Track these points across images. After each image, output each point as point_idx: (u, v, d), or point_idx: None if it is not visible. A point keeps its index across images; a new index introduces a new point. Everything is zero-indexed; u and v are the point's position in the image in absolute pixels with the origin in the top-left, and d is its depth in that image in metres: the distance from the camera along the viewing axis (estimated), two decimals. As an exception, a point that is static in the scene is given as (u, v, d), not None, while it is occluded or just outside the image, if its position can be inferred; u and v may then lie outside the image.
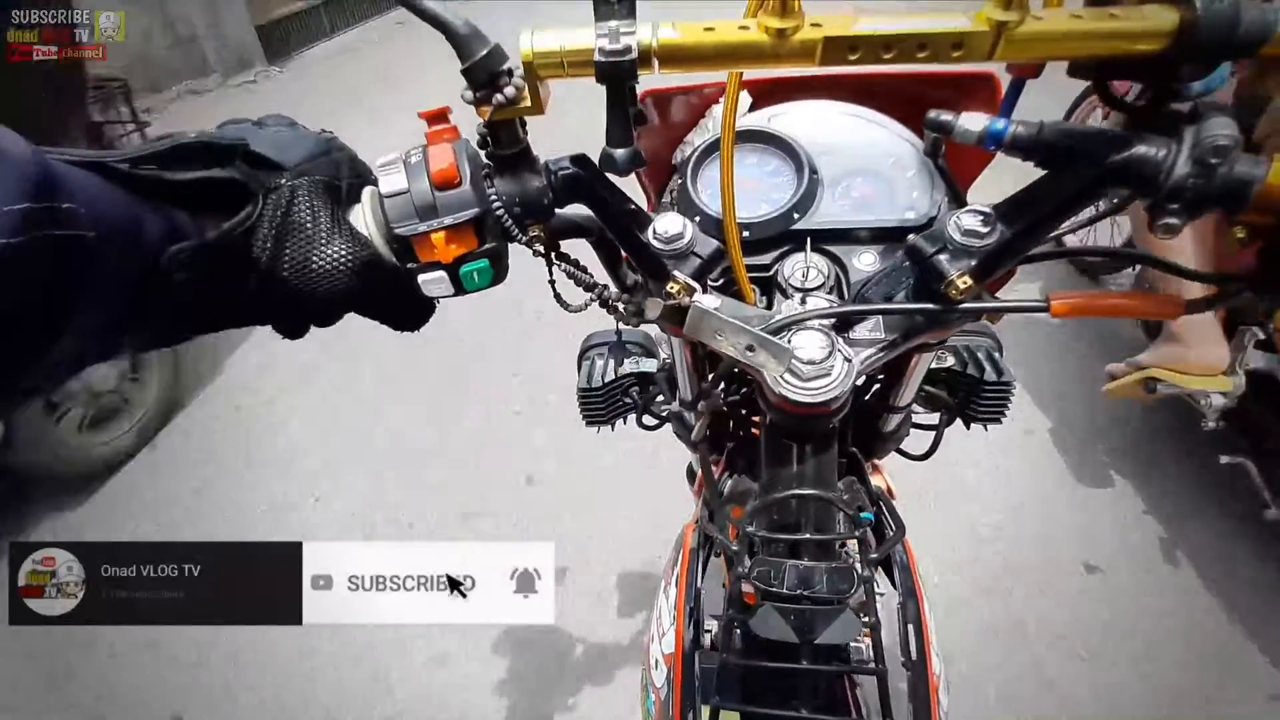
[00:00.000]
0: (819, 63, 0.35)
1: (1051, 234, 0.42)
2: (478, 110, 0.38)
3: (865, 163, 0.55)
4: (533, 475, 1.89)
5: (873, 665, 0.48)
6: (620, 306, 0.50)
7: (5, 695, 1.53)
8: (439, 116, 0.40)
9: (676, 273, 0.45)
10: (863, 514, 0.53)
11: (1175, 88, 0.36)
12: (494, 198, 0.40)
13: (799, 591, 0.48)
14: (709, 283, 0.48)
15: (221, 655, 1.54)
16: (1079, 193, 0.39)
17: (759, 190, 0.54)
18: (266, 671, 1.51)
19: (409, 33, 5.45)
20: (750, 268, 0.48)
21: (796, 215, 0.52)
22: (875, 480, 0.65)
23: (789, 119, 0.58)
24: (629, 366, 0.80)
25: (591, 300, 0.49)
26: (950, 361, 0.76)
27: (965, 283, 0.42)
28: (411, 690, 1.47)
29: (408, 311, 0.45)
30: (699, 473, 0.98)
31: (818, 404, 0.43)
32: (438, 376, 2.24)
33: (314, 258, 0.37)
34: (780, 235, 0.52)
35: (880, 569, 0.66)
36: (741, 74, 0.39)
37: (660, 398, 0.80)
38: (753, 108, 0.62)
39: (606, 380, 0.79)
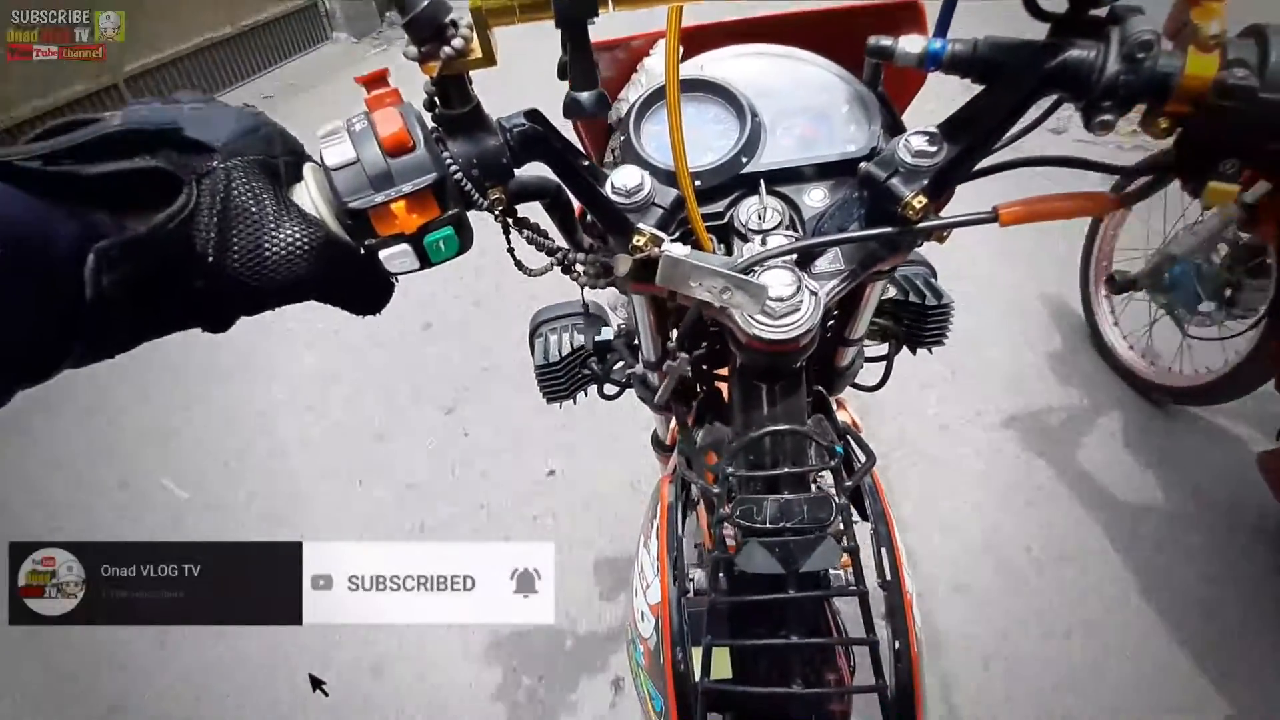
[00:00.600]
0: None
1: (996, 146, 0.44)
2: (423, 67, 0.35)
3: (802, 101, 0.55)
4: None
5: (854, 588, 0.50)
6: (581, 269, 0.49)
7: (5, 695, 1.47)
8: (378, 80, 0.38)
9: (641, 225, 0.44)
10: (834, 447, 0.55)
11: (1094, -7, 0.38)
12: (449, 160, 0.38)
13: (781, 524, 0.50)
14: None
15: (220, 655, 1.50)
16: (1017, 103, 0.41)
17: (702, 139, 0.53)
18: (265, 671, 1.47)
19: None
20: (705, 216, 0.48)
21: (744, 159, 0.51)
22: (840, 416, 0.67)
23: (722, 65, 0.58)
24: (584, 338, 0.79)
25: (553, 264, 0.48)
26: (893, 292, 0.80)
27: (920, 202, 0.43)
28: (411, 690, 1.44)
29: (368, 293, 0.42)
30: (664, 438, 0.99)
31: (790, 340, 0.44)
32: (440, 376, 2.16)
33: (266, 244, 0.34)
34: (731, 181, 0.52)
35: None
36: (681, 11, 0.38)
37: (620, 364, 0.79)
38: (682, 59, 0.61)
39: (564, 354, 0.78)
